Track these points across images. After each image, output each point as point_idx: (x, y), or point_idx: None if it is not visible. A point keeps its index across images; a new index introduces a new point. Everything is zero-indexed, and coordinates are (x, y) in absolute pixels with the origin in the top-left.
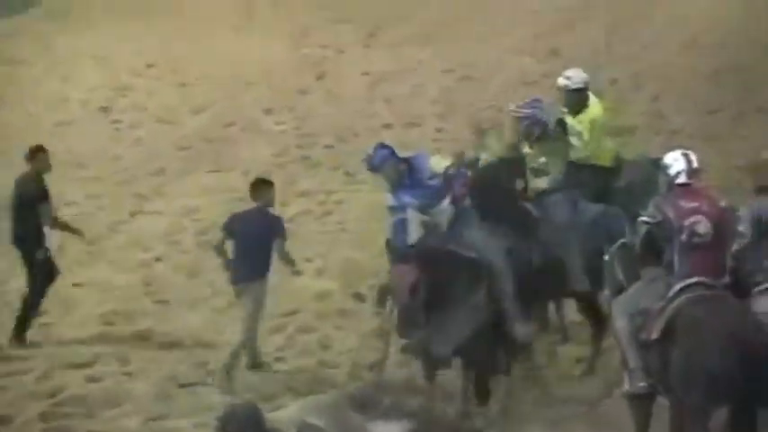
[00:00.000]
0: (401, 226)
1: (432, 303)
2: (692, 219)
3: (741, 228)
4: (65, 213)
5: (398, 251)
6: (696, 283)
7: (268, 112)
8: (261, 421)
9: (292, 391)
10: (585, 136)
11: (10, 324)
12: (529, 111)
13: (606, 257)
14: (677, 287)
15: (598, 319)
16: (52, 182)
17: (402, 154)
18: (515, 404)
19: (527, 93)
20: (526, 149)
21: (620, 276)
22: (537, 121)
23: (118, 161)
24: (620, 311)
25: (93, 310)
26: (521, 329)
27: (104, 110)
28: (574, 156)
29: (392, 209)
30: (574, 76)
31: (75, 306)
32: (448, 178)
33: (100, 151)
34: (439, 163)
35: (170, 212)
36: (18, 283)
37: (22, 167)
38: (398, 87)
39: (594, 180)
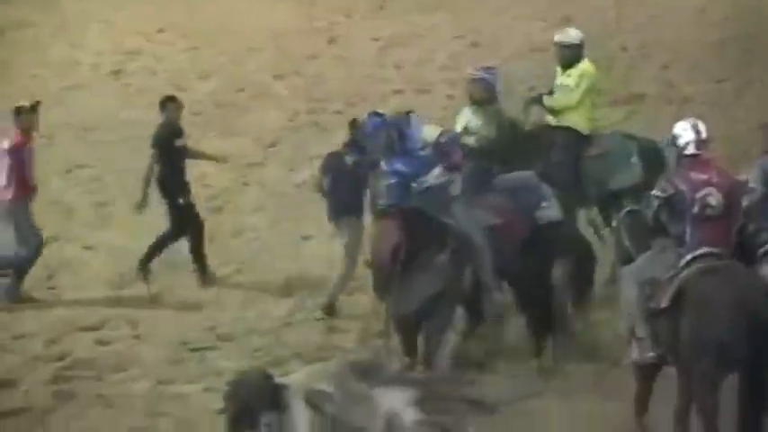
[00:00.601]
0: (396, 189)
1: (405, 265)
2: (704, 191)
3: (751, 183)
4: (76, 176)
5: (382, 207)
6: (706, 254)
7: (277, 77)
8: (271, 387)
9: (300, 356)
10: (572, 86)
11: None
12: (482, 75)
13: (613, 224)
14: (688, 257)
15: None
16: (62, 145)
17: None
18: (522, 375)
19: (537, 59)
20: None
21: (628, 244)
22: (488, 84)
23: (128, 125)
24: (630, 280)
25: (103, 273)
26: (496, 297)
27: (115, 74)
28: (556, 103)
29: (384, 174)
30: (570, 33)
31: (84, 269)
32: (440, 146)
33: (110, 115)
34: (432, 132)
35: None
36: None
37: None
38: (408, 53)
39: (567, 144)
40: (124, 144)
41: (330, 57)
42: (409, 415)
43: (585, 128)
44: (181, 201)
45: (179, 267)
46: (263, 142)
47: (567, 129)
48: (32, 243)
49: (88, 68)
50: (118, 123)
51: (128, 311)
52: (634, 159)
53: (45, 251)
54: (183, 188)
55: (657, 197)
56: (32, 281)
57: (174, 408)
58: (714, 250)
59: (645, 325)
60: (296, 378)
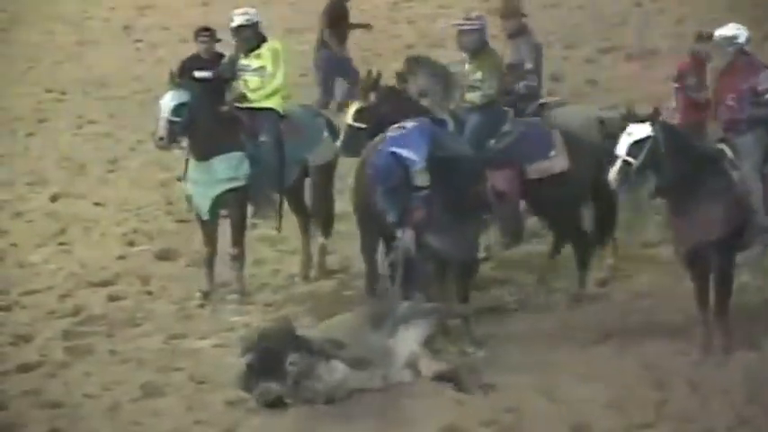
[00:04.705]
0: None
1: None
2: None
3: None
4: (87, 131)
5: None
6: None
7: (289, 31)
8: (294, 330)
9: (312, 312)
10: (270, 68)
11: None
12: (476, 24)
13: None
14: None
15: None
16: (74, 101)
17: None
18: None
19: (553, 14)
20: (465, 65)
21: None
22: (481, 34)
23: (139, 81)
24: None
25: (114, 229)
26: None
27: (126, 29)
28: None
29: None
30: (248, 12)
31: (96, 225)
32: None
33: (122, 71)
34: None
35: None
36: None
37: (43, 85)
38: (422, 8)
39: (263, 123)
40: (135, 100)
41: None
42: (425, 366)
43: (280, 104)
44: None
45: (191, 222)
46: None
47: (261, 110)
48: None
49: (100, 24)
50: (129, 79)
51: (139, 267)
52: (325, 134)
53: (56, 206)
54: None
55: None
56: (43, 237)
57: (186, 363)
58: None
59: None
60: (313, 331)
